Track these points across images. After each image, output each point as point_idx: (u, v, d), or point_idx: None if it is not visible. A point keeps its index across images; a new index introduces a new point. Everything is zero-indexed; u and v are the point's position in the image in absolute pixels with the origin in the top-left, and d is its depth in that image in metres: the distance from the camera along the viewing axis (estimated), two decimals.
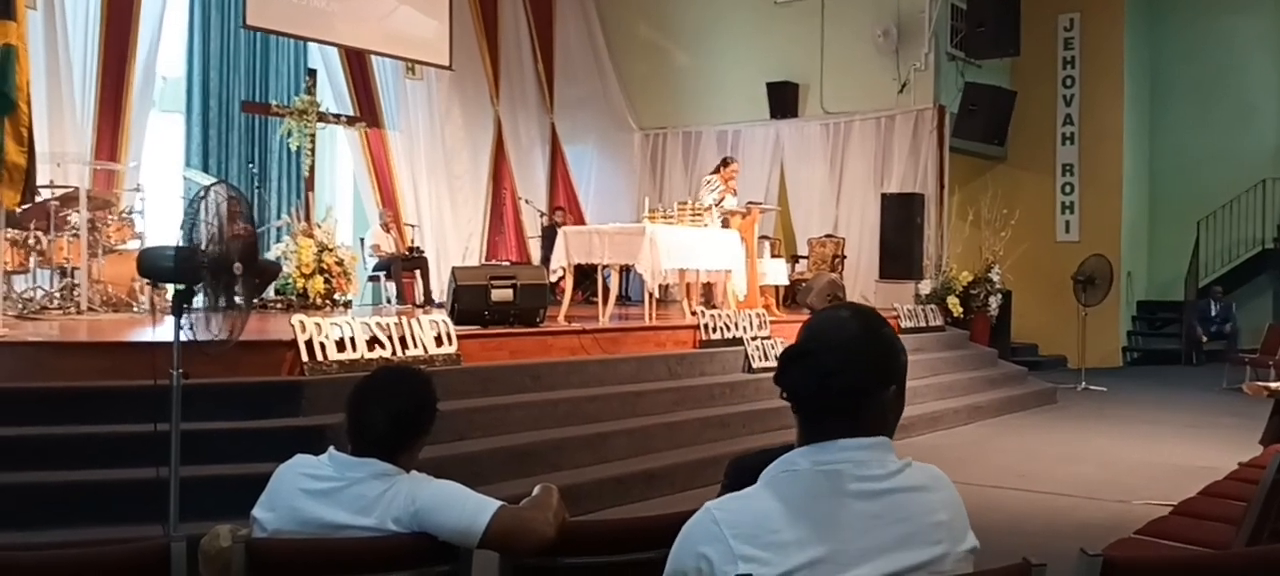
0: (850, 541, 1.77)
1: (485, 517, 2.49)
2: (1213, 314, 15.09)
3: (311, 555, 2.49)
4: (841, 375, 1.80)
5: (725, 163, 11.18)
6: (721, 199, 10.68)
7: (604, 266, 10.03)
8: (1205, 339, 15.05)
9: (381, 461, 2.57)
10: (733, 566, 1.73)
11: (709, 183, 10.94)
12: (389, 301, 11.85)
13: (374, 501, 2.52)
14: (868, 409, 1.83)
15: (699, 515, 1.83)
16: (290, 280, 10.62)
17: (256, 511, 2.61)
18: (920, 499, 1.84)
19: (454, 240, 14.01)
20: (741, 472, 1.96)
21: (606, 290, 10.02)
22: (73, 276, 9.25)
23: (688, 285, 10.89)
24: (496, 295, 8.64)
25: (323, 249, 10.73)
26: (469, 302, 8.57)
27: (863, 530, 1.78)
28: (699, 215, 10.47)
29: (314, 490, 2.55)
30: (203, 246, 4.37)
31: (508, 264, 12.29)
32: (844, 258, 13.60)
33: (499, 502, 2.53)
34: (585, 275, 11.43)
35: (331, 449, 2.63)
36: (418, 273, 11.93)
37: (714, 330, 9.31)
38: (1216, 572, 2.11)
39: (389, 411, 2.61)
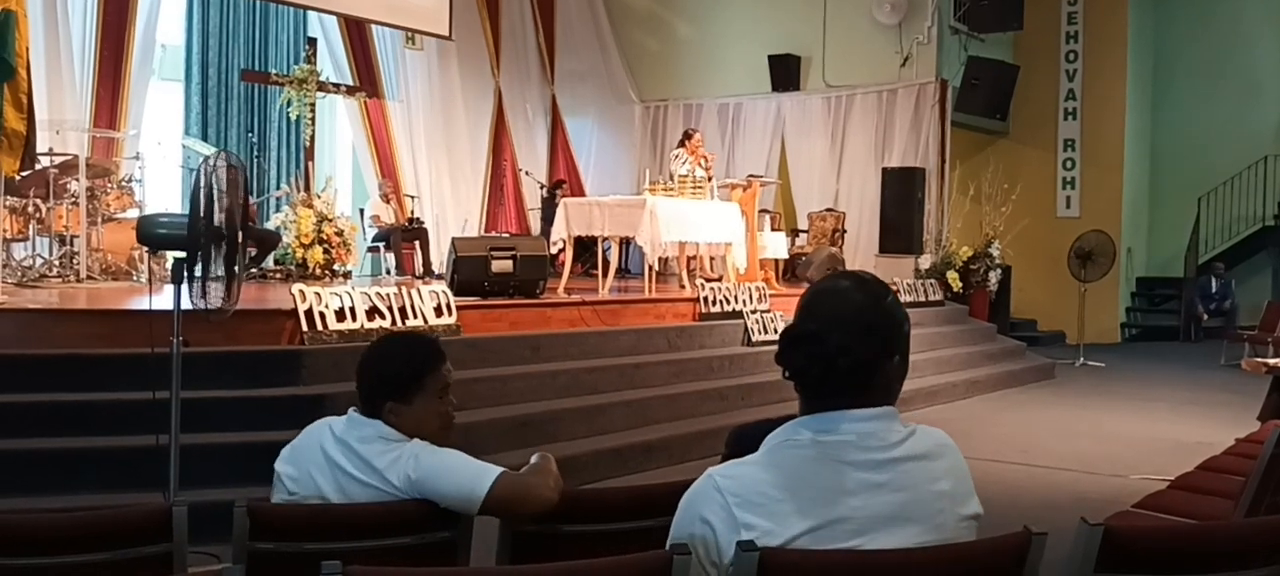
0: (853, 513, 1.77)
1: (487, 482, 2.50)
2: (1212, 290, 15.08)
3: (313, 521, 2.50)
4: (849, 353, 1.78)
5: (688, 135, 11.15)
6: (692, 170, 10.64)
7: (604, 238, 10.02)
8: (1205, 316, 15.05)
9: (382, 424, 2.61)
10: (735, 533, 1.74)
11: (677, 156, 10.92)
12: (388, 272, 11.84)
13: (374, 460, 2.55)
14: (874, 380, 1.82)
15: (701, 481, 1.83)
16: (290, 250, 10.61)
17: (279, 464, 2.66)
18: (924, 467, 1.83)
19: (453, 211, 13.99)
20: (741, 442, 1.95)
21: (606, 262, 10.02)
22: (72, 244, 9.24)
23: (689, 258, 10.89)
24: (496, 266, 8.64)
25: (322, 219, 10.70)
26: (469, 273, 8.57)
27: (865, 501, 1.77)
28: (701, 188, 10.46)
29: (331, 445, 2.61)
30: (213, 217, 4.37)
31: (508, 235, 12.28)
32: (844, 232, 13.59)
33: (501, 469, 2.54)
34: (585, 247, 11.42)
35: (352, 410, 2.68)
36: (417, 243, 11.91)
37: (713, 303, 9.31)
38: (1214, 543, 2.12)
39: (359, 375, 2.69)
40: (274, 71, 12.25)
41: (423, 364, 2.69)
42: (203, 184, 4.38)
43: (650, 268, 9.85)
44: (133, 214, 9.61)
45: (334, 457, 2.58)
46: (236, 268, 4.55)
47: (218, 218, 4.42)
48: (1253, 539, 2.14)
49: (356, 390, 2.69)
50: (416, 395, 2.65)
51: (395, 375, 2.65)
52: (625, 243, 10.88)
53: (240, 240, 4.49)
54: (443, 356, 2.73)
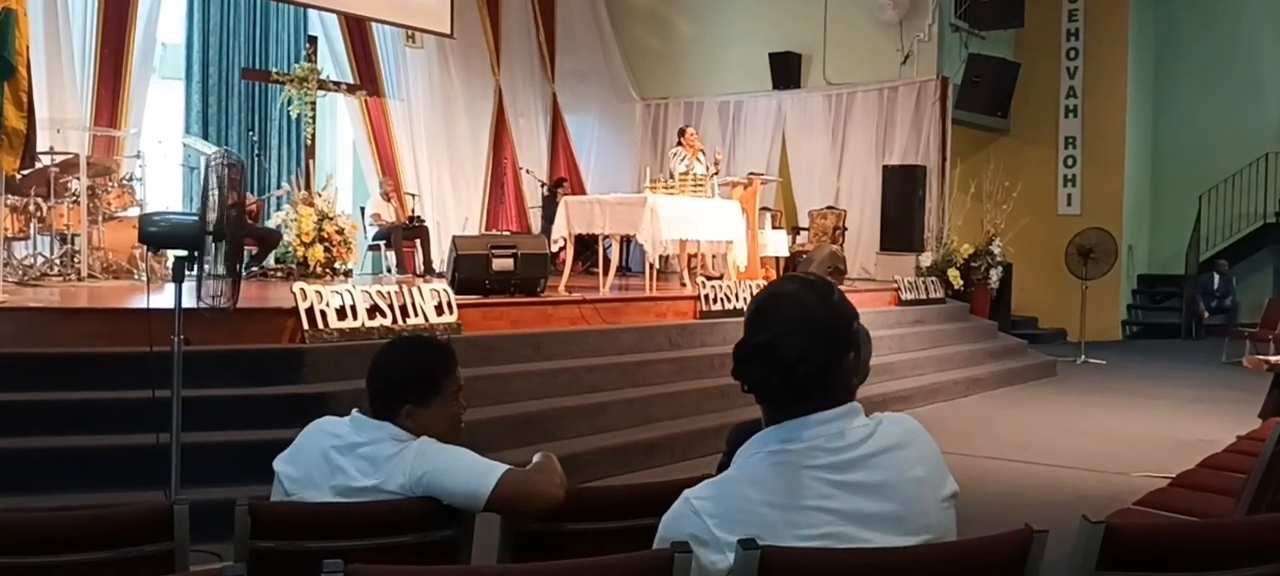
0: (835, 517, 1.76)
1: (492, 479, 2.50)
2: (1214, 287, 15.07)
3: (314, 520, 2.50)
4: (808, 358, 1.77)
5: (682, 132, 11.18)
6: (691, 166, 10.66)
7: (605, 236, 10.02)
8: (1206, 313, 15.04)
9: (392, 425, 2.60)
10: (718, 553, 1.73)
11: (676, 153, 10.94)
12: (389, 270, 11.84)
13: (382, 463, 2.54)
14: (833, 381, 1.81)
15: (678, 505, 1.81)
16: (291, 248, 10.61)
17: (278, 464, 2.65)
18: (897, 457, 1.82)
19: (454, 209, 13.99)
20: (743, 440, 1.95)
21: (607, 260, 10.02)
22: (73, 243, 9.24)
23: (690, 256, 10.89)
24: (497, 265, 8.63)
25: (323, 218, 10.71)
26: (470, 272, 8.57)
27: (845, 503, 1.77)
28: (701, 185, 10.46)
29: (333, 448, 2.59)
30: (217, 215, 4.36)
31: (508, 233, 12.29)
32: (845, 229, 13.59)
33: (506, 466, 2.54)
34: (586, 245, 11.43)
35: (355, 411, 2.67)
36: (418, 242, 11.92)
37: (714, 301, 9.31)
38: (1216, 541, 2.12)
39: (376, 377, 2.67)
40: (275, 70, 12.26)
41: (440, 367, 2.71)
42: (215, 182, 4.38)
43: (651, 266, 9.85)
44: (133, 212, 9.62)
45: (339, 463, 2.56)
46: (238, 266, 4.54)
47: (220, 215, 4.42)
48: (1254, 536, 2.14)
49: (368, 392, 2.67)
50: (434, 398, 2.67)
51: (414, 378, 2.66)
52: (626, 241, 10.88)
53: (241, 239, 4.48)
54: (456, 359, 2.76)
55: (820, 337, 1.79)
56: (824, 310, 1.82)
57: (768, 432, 1.82)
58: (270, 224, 11.05)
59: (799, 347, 1.76)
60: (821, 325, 1.80)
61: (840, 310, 1.85)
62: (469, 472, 2.53)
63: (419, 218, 12.54)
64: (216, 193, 4.41)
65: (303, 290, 6.65)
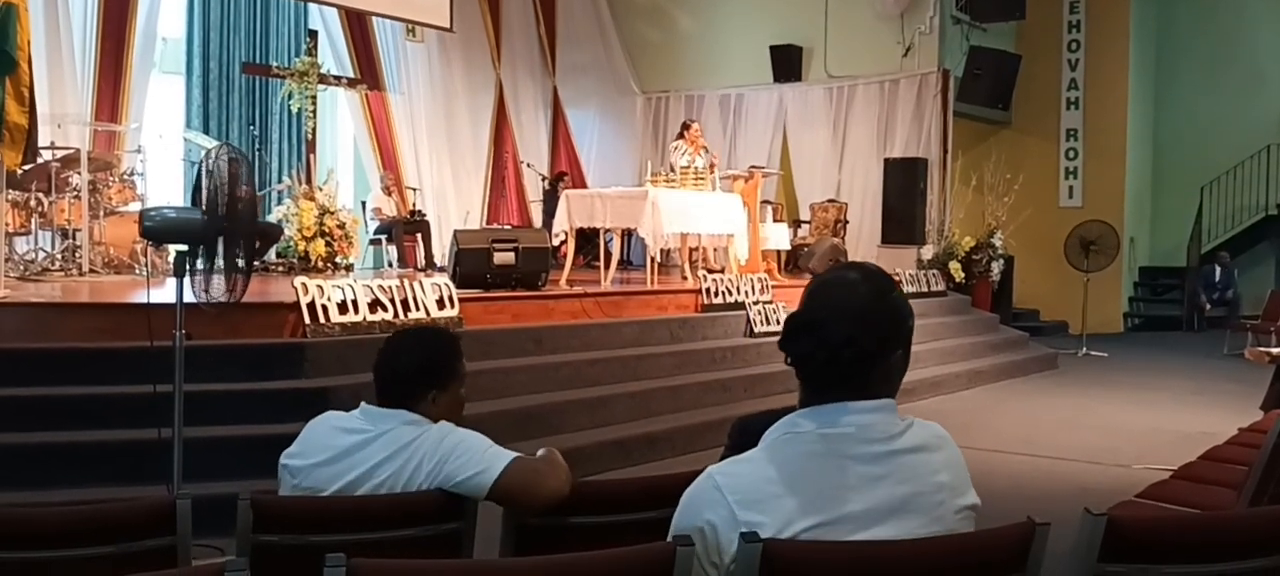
0: (853, 505, 1.76)
1: (499, 466, 2.51)
2: (1216, 279, 15.06)
3: (316, 514, 2.50)
4: (852, 345, 1.77)
5: (686, 126, 11.18)
6: (692, 161, 10.66)
7: (606, 230, 10.01)
8: (1208, 305, 15.03)
9: (409, 411, 2.62)
10: (736, 532, 1.73)
11: (676, 147, 10.94)
12: (390, 265, 11.85)
13: (402, 448, 2.55)
14: (876, 373, 1.81)
15: (701, 480, 1.82)
16: (292, 243, 10.61)
17: (286, 459, 2.65)
18: (923, 459, 1.83)
19: (455, 203, 13.99)
20: (745, 434, 1.95)
21: (608, 254, 10.01)
22: (74, 237, 9.25)
23: (691, 250, 10.88)
24: (499, 258, 8.63)
25: (324, 212, 10.71)
26: (471, 266, 8.56)
27: (866, 494, 1.77)
28: (703, 179, 10.45)
29: (348, 440, 2.59)
30: (220, 208, 4.35)
31: (510, 227, 12.28)
32: (846, 222, 13.57)
33: (515, 454, 2.54)
34: (587, 239, 11.42)
35: (363, 403, 2.68)
36: (419, 236, 11.92)
37: (716, 294, 9.31)
38: (1218, 533, 2.12)
39: (396, 365, 2.68)
40: (275, 64, 12.26)
41: (454, 351, 2.77)
42: (218, 176, 4.36)
43: (652, 259, 9.84)
44: (134, 207, 9.62)
45: (356, 455, 2.56)
46: (238, 260, 4.53)
47: (230, 208, 4.40)
48: (1256, 528, 2.14)
49: (378, 381, 2.68)
50: (453, 381, 2.73)
51: (435, 364, 2.71)
52: (627, 234, 10.86)
53: (248, 232, 4.47)
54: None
55: (867, 328, 1.79)
56: (877, 302, 1.83)
57: (803, 413, 1.82)
58: (271, 218, 11.05)
59: (846, 333, 1.77)
60: (873, 317, 1.81)
61: (896, 307, 1.86)
62: (480, 456, 2.54)
63: (420, 212, 12.54)
64: (221, 185, 4.39)
65: (304, 284, 6.65)
